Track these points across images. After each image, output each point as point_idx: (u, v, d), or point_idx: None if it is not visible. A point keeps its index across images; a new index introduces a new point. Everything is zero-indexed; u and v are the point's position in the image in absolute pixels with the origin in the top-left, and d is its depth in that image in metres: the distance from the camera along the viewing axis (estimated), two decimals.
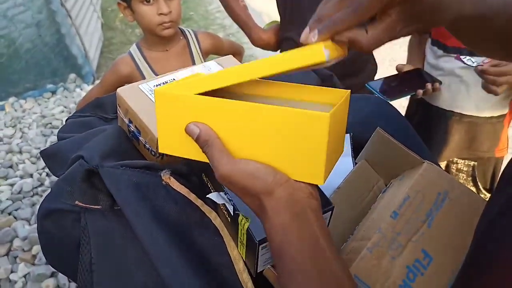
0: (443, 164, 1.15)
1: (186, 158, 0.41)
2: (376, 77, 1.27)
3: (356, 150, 0.62)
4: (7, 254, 1.47)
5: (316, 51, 0.33)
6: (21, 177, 1.83)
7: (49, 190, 0.63)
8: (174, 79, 0.62)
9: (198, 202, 0.51)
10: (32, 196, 1.74)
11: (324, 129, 0.32)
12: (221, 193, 0.49)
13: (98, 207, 0.50)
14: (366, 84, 1.04)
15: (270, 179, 0.34)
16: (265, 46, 1.35)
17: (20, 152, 2.00)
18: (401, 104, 1.37)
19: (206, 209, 0.51)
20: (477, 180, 1.09)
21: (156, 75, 0.95)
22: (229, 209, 0.47)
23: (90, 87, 2.61)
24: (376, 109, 0.72)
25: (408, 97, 1.17)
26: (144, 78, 1.08)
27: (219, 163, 0.35)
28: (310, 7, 1.20)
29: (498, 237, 0.27)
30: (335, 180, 0.52)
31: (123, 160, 0.53)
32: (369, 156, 0.53)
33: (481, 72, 0.89)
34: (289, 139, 0.34)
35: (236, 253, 0.49)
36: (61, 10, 2.61)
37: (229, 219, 0.49)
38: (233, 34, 3.68)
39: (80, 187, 0.50)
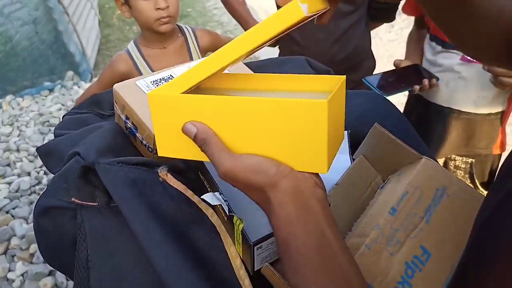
0: (441, 161, 1.15)
1: None
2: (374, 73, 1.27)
3: (354, 147, 0.61)
4: (4, 253, 1.47)
5: (293, 8, 0.32)
6: (19, 176, 1.83)
7: None
8: (171, 75, 0.62)
9: (195, 199, 0.51)
10: (29, 195, 1.74)
11: (323, 116, 0.31)
12: (216, 193, 0.49)
13: (95, 204, 0.50)
14: (363, 79, 1.04)
15: (273, 171, 0.33)
16: None
17: (18, 151, 1.99)
18: (399, 101, 1.37)
19: (203, 205, 0.51)
20: (475, 177, 1.09)
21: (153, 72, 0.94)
22: (225, 209, 0.47)
23: (88, 84, 2.60)
24: (374, 105, 0.72)
25: (406, 93, 1.17)
26: (141, 75, 1.07)
27: (220, 160, 0.34)
28: None
29: (496, 231, 0.27)
30: (333, 177, 0.52)
31: (119, 156, 0.52)
32: (367, 151, 0.53)
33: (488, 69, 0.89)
34: (289, 130, 0.33)
35: (233, 250, 0.49)
36: (58, 7, 2.60)
37: (225, 217, 0.48)
38: (231, 31, 3.67)
39: (76, 184, 0.50)
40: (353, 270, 0.33)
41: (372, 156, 0.52)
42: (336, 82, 0.38)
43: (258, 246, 0.44)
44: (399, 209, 0.41)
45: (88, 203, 0.50)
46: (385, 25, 1.40)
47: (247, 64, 0.68)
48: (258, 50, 0.36)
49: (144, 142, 0.55)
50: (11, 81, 2.50)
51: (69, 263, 0.51)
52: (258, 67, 0.76)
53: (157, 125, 0.38)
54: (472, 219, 0.30)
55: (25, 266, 1.41)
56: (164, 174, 0.51)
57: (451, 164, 1.13)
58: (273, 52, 1.42)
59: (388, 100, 0.74)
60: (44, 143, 2.15)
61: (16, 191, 1.73)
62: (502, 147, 1.08)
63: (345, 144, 0.62)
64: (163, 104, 0.37)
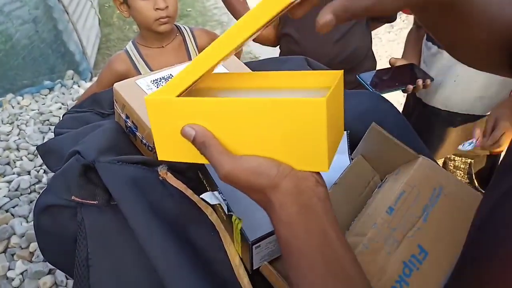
0: (440, 161, 1.15)
1: None
2: None
3: (353, 147, 0.62)
4: (4, 252, 1.47)
5: None
6: (19, 174, 1.83)
7: None
8: (171, 74, 0.62)
9: (195, 198, 0.51)
10: (29, 193, 1.74)
11: (322, 115, 0.31)
12: (215, 192, 0.49)
13: (95, 202, 0.50)
14: (357, 76, 1.04)
15: (273, 172, 0.33)
16: (264, 42, 1.35)
17: (18, 149, 1.99)
18: (398, 101, 1.37)
19: (202, 204, 0.51)
20: (474, 177, 1.10)
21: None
22: (224, 208, 0.47)
23: (88, 83, 2.60)
24: (373, 105, 0.72)
25: (405, 94, 1.17)
26: (140, 74, 1.07)
27: (220, 163, 0.34)
28: None
29: (496, 229, 0.27)
30: (331, 176, 0.52)
31: (120, 155, 0.53)
32: (365, 151, 0.53)
33: (482, 149, 0.94)
34: (288, 129, 0.33)
35: (232, 249, 0.49)
36: (58, 6, 2.59)
37: (224, 216, 0.49)
38: None
39: (76, 182, 0.50)
40: (355, 269, 0.33)
41: (370, 156, 0.53)
42: (333, 78, 0.37)
43: (257, 245, 0.45)
44: (397, 209, 0.41)
45: (88, 202, 0.50)
46: (384, 25, 1.40)
47: (246, 64, 0.68)
48: (248, 41, 0.36)
49: (144, 141, 0.55)
50: (11, 80, 2.50)
51: (69, 261, 0.51)
52: (258, 66, 0.76)
53: (156, 129, 0.38)
54: (470, 218, 0.30)
55: (24, 265, 1.41)
56: (164, 173, 0.51)
57: (451, 164, 1.13)
58: (274, 53, 1.42)
59: (388, 100, 0.74)
60: (44, 142, 2.15)
61: (16, 190, 1.73)
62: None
63: (344, 144, 0.62)
64: (161, 108, 0.37)
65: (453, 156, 1.12)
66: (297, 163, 0.34)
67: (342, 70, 0.38)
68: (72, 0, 2.86)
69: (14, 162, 1.91)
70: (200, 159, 0.37)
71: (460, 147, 0.97)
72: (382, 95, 0.78)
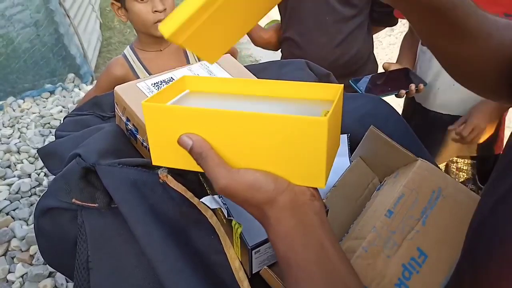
0: (442, 165, 1.15)
1: None
2: None
3: (353, 150, 0.62)
4: (4, 254, 1.46)
5: None
6: (19, 177, 1.83)
7: None
8: (172, 78, 0.62)
9: (195, 201, 0.51)
10: (30, 196, 1.74)
11: (323, 133, 0.31)
12: (215, 196, 0.49)
13: (95, 205, 0.50)
14: (350, 81, 1.04)
15: (270, 188, 0.33)
16: (265, 45, 1.35)
17: (18, 152, 1.99)
18: (399, 104, 1.37)
19: (202, 207, 0.51)
20: (477, 178, 1.10)
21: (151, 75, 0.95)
22: (224, 212, 0.47)
23: (89, 87, 2.61)
24: (373, 108, 0.72)
25: (403, 99, 1.17)
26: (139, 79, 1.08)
27: (216, 176, 0.34)
28: (311, 7, 1.20)
29: (496, 228, 0.27)
30: (331, 178, 0.52)
31: (120, 158, 0.53)
32: (364, 154, 0.53)
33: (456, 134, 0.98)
34: (287, 145, 0.33)
35: (232, 252, 0.49)
36: (60, 9, 2.60)
37: (224, 219, 0.49)
38: None
39: (77, 185, 0.50)
40: (353, 280, 0.33)
41: (368, 158, 0.53)
42: (335, 92, 0.38)
43: (256, 250, 0.45)
44: (396, 212, 0.41)
45: (89, 204, 0.50)
46: (385, 29, 1.40)
47: (247, 67, 0.68)
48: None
49: (145, 143, 0.56)
50: (12, 83, 2.50)
51: (69, 264, 0.51)
52: (259, 70, 0.76)
53: (152, 134, 0.37)
54: (468, 220, 0.30)
55: (25, 268, 1.40)
56: (164, 175, 0.51)
57: (453, 167, 1.13)
58: (275, 57, 1.43)
59: (388, 103, 0.74)
60: (44, 145, 2.16)
61: (17, 193, 1.73)
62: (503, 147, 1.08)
63: (344, 147, 0.63)
64: (158, 114, 0.36)
65: (455, 158, 1.12)
66: (294, 177, 0.34)
67: (342, 85, 0.38)
68: (74, 3, 2.87)
69: (15, 165, 1.91)
70: (196, 167, 0.36)
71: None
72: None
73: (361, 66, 1.25)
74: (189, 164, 0.37)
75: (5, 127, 2.20)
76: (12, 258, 1.45)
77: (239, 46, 3.36)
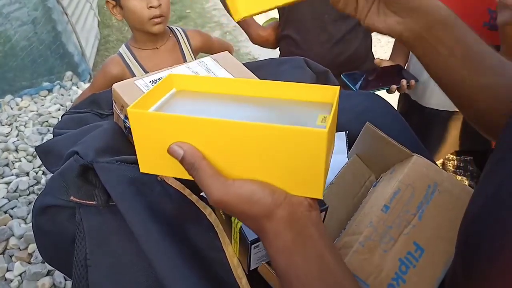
0: (440, 162, 1.15)
1: None
2: None
3: (351, 147, 0.62)
4: (3, 253, 1.47)
5: None
6: (17, 176, 1.83)
7: None
8: None
9: (193, 198, 0.51)
10: (28, 195, 1.74)
11: (322, 144, 0.30)
12: None
13: (93, 202, 0.50)
14: (342, 75, 1.04)
15: (268, 201, 0.32)
16: (264, 43, 1.35)
17: (16, 151, 1.99)
18: (396, 101, 1.37)
19: (201, 204, 0.51)
20: (474, 174, 1.10)
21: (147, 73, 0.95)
22: None
23: (87, 85, 2.61)
24: (371, 105, 0.73)
25: (397, 98, 1.18)
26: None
27: (210, 188, 0.32)
28: (308, 5, 1.20)
29: (484, 228, 0.27)
30: (328, 176, 0.52)
31: (118, 155, 0.53)
32: (360, 150, 0.53)
33: None
34: (284, 155, 0.32)
35: (231, 249, 0.49)
36: (57, 7, 2.60)
37: (223, 216, 0.49)
38: (230, 32, 3.68)
39: (75, 183, 0.50)
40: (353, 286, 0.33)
41: (365, 155, 0.53)
42: (331, 94, 0.37)
43: (256, 245, 0.45)
44: (392, 207, 0.41)
45: (87, 202, 0.50)
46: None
47: (245, 64, 0.68)
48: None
49: None
50: (9, 81, 2.50)
51: (68, 262, 0.51)
52: (257, 67, 0.76)
53: (139, 141, 0.35)
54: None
55: (23, 266, 1.41)
56: None
57: (450, 164, 1.14)
58: (273, 54, 1.43)
59: (386, 100, 0.74)
60: (42, 143, 2.16)
61: (15, 191, 1.73)
62: None
63: (343, 144, 0.63)
64: (145, 121, 0.34)
65: (451, 156, 1.12)
66: (291, 187, 0.33)
67: (339, 87, 0.38)
68: (71, 1, 2.86)
69: (13, 164, 1.91)
70: (187, 176, 0.35)
71: None
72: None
73: (360, 64, 1.25)
74: (179, 172, 0.35)
75: (3, 125, 2.20)
76: (11, 256, 1.45)
77: (237, 44, 3.36)
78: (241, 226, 0.45)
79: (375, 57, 1.33)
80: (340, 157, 0.60)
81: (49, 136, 2.09)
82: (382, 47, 3.03)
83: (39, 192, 1.67)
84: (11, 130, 2.16)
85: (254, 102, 0.40)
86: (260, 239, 0.34)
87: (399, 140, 0.51)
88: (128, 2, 1.04)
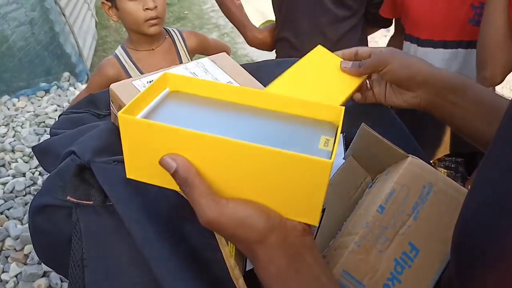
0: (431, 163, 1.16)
1: None
2: None
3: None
4: None
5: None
6: (14, 176, 1.82)
7: None
8: None
9: None
10: (24, 195, 1.73)
11: (325, 175, 0.29)
12: None
13: (90, 202, 0.50)
14: None
15: (261, 225, 0.31)
16: (260, 46, 1.35)
17: (13, 151, 1.98)
18: None
19: None
20: (466, 175, 1.11)
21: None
22: None
23: (84, 86, 2.60)
24: (368, 107, 0.73)
25: None
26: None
27: (203, 207, 0.30)
28: (305, 8, 1.21)
29: (477, 231, 0.27)
30: None
31: (115, 156, 0.53)
32: (356, 152, 0.53)
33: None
34: (283, 180, 0.30)
35: (227, 250, 0.49)
36: (55, 8, 2.59)
37: None
38: (228, 33, 3.68)
39: (71, 182, 0.50)
40: None
41: (360, 157, 0.53)
42: (336, 114, 0.36)
43: None
44: (387, 207, 0.42)
45: (84, 202, 0.50)
46: (381, 30, 1.41)
47: (243, 66, 0.68)
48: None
49: None
50: (6, 81, 2.49)
51: (64, 262, 0.51)
52: (255, 68, 0.77)
53: (127, 147, 0.33)
54: None
55: (19, 267, 1.40)
56: None
57: (441, 165, 1.14)
58: (271, 56, 1.43)
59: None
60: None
61: (11, 192, 1.72)
62: None
63: (340, 147, 0.63)
64: (135, 128, 0.32)
65: (443, 156, 1.13)
66: (287, 211, 0.32)
67: (344, 108, 0.36)
68: (69, 2, 2.86)
69: (9, 164, 1.90)
70: (175, 187, 0.33)
71: None
72: None
73: None
74: (167, 182, 0.34)
75: (0, 126, 2.19)
76: (6, 257, 1.45)
77: (235, 45, 3.36)
78: None
79: None
80: (336, 159, 0.60)
81: (46, 136, 2.09)
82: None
83: (36, 193, 1.66)
84: (7, 131, 2.15)
85: (252, 113, 0.38)
86: (252, 262, 0.33)
87: (394, 141, 0.52)
88: (124, 4, 1.04)
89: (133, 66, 1.11)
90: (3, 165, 1.90)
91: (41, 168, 1.86)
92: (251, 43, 1.35)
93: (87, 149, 0.51)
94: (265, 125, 0.36)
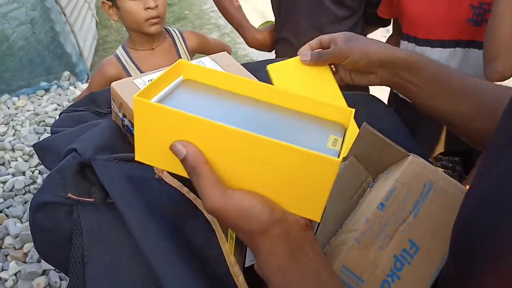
0: None
1: None
2: None
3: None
4: None
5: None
6: (13, 175, 1.82)
7: None
8: None
9: (191, 196, 0.52)
10: (24, 194, 1.73)
11: (333, 172, 0.30)
12: None
13: (91, 200, 0.50)
14: None
15: (265, 218, 0.31)
16: (260, 47, 1.35)
17: (13, 150, 1.99)
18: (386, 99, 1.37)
19: (198, 202, 0.51)
20: (463, 174, 1.11)
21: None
22: None
23: (84, 85, 2.60)
24: (368, 107, 0.73)
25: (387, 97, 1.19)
26: None
27: (208, 196, 0.31)
28: (305, 8, 1.21)
29: (475, 230, 0.27)
30: None
31: (116, 153, 0.53)
32: (357, 151, 0.54)
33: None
34: (290, 174, 0.31)
35: (227, 247, 0.49)
36: (56, 7, 2.60)
37: None
38: (228, 34, 3.69)
39: (73, 180, 0.50)
40: None
41: (362, 156, 0.54)
42: (345, 116, 0.36)
43: None
44: (388, 205, 0.42)
45: (85, 199, 0.51)
46: (381, 29, 1.41)
47: (243, 65, 0.69)
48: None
49: None
50: (7, 80, 2.49)
51: (65, 259, 0.51)
52: (255, 68, 0.77)
53: (139, 130, 0.34)
54: None
55: (18, 266, 1.40)
56: (160, 171, 0.52)
57: (438, 164, 1.15)
58: (271, 56, 1.44)
59: (382, 102, 0.75)
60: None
61: (11, 191, 1.72)
62: None
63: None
64: (149, 112, 0.33)
65: (440, 156, 1.14)
66: (290, 205, 0.33)
67: (353, 109, 0.36)
68: (70, 1, 2.87)
69: (9, 163, 1.90)
70: (182, 172, 0.34)
71: None
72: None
73: None
74: (175, 167, 0.34)
75: (0, 124, 2.19)
76: (6, 256, 1.45)
77: (235, 46, 3.36)
78: None
79: None
80: None
81: (46, 135, 2.09)
82: None
83: (35, 192, 1.66)
84: (7, 130, 2.16)
85: (264, 107, 0.38)
86: (253, 253, 0.33)
87: (395, 141, 0.52)
88: (125, 3, 1.05)
89: (134, 66, 1.12)
90: (3, 164, 1.90)
91: (40, 167, 1.86)
92: (250, 44, 1.35)
93: (89, 147, 0.51)
94: (275, 120, 0.37)
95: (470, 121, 0.51)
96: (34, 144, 0.67)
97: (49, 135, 0.68)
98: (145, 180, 0.51)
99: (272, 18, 1.31)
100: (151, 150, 0.35)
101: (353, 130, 0.53)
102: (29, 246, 1.45)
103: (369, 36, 1.34)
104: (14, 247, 1.46)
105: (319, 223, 0.43)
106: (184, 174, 0.34)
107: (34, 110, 2.32)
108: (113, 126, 0.60)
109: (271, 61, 0.85)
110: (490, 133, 0.32)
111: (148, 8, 1.04)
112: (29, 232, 1.44)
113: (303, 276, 0.32)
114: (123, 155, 0.53)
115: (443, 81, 0.53)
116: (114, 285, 0.48)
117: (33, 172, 1.84)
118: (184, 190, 0.52)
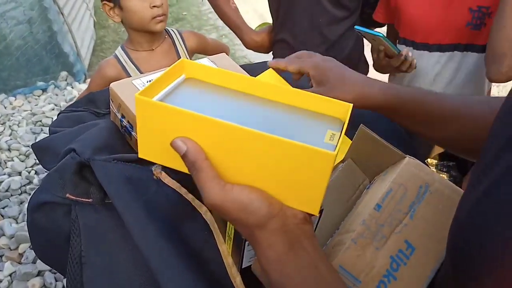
0: None
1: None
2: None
3: None
4: None
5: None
6: (9, 175, 1.81)
7: None
8: None
9: (189, 197, 0.52)
10: (20, 194, 1.73)
11: (328, 166, 0.30)
12: None
13: (89, 200, 0.50)
14: (355, 27, 1.04)
15: (263, 211, 0.32)
16: (258, 48, 1.36)
17: (9, 150, 1.98)
18: None
19: (197, 203, 0.52)
20: (457, 179, 1.12)
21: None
22: None
23: (82, 85, 2.60)
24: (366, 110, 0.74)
25: None
26: None
27: (208, 191, 0.32)
28: (303, 9, 1.22)
29: (471, 233, 0.27)
30: None
31: (115, 154, 0.53)
32: (354, 153, 0.54)
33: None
34: (288, 169, 0.32)
35: (225, 248, 0.49)
36: (54, 7, 2.59)
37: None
38: (226, 35, 3.69)
39: (71, 180, 0.50)
40: None
41: (359, 158, 0.54)
42: (343, 111, 0.37)
43: None
44: (384, 206, 0.42)
45: (83, 199, 0.51)
46: (378, 30, 1.42)
47: (241, 67, 0.69)
48: None
49: None
50: (4, 80, 2.48)
51: (62, 259, 0.51)
52: (253, 69, 0.77)
53: (142, 128, 0.35)
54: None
55: (13, 266, 1.39)
56: (158, 172, 0.52)
57: (433, 169, 1.16)
58: (269, 58, 1.44)
59: None
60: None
61: (6, 191, 1.72)
62: None
63: None
64: (151, 110, 0.33)
65: (434, 161, 1.14)
66: (289, 200, 0.33)
67: (352, 104, 0.37)
68: (68, 1, 2.86)
69: (5, 163, 1.89)
70: (184, 168, 0.35)
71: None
72: None
73: (353, 68, 1.26)
74: (177, 164, 0.35)
75: None
76: (1, 256, 1.44)
77: (233, 47, 3.37)
78: None
79: (367, 60, 1.34)
80: None
81: (43, 135, 2.08)
82: None
83: (31, 192, 1.66)
84: (4, 129, 2.15)
85: (263, 104, 0.39)
86: (252, 246, 0.34)
87: (391, 142, 0.52)
88: (129, 2, 1.05)
89: (133, 67, 1.12)
90: None
91: (37, 167, 1.86)
92: (248, 46, 1.36)
93: (87, 147, 0.52)
94: (274, 116, 0.37)
95: (460, 141, 0.52)
96: (32, 144, 0.66)
97: (46, 135, 0.68)
98: (144, 181, 0.51)
99: (270, 20, 1.32)
100: (154, 147, 0.36)
101: (345, 141, 0.53)
102: (24, 246, 1.44)
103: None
104: (9, 248, 1.46)
105: (318, 220, 0.43)
106: (186, 170, 0.35)
107: (31, 110, 2.31)
108: (112, 127, 0.60)
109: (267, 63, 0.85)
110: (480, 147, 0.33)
111: (154, 6, 1.04)
112: (25, 232, 1.44)
113: (301, 270, 0.32)
114: (121, 155, 0.53)
115: (423, 114, 0.53)
116: (112, 286, 0.48)
117: (29, 172, 1.84)
118: (182, 191, 0.52)
